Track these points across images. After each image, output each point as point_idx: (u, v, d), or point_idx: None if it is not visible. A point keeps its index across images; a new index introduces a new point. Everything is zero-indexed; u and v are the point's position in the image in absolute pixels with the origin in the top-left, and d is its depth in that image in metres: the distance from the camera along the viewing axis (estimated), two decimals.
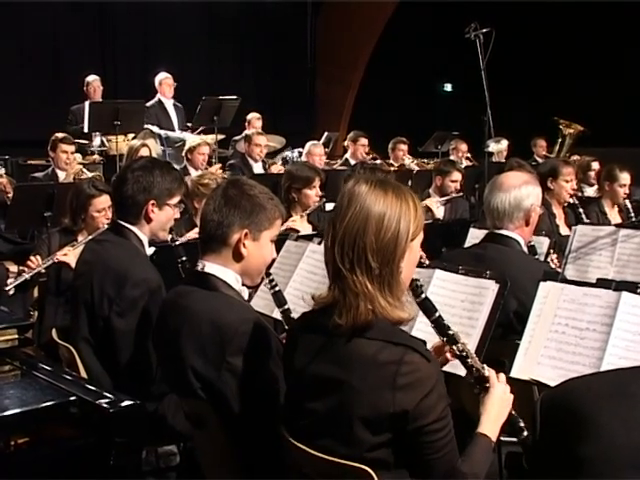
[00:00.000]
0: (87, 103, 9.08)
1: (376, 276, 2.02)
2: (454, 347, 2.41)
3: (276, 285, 3.23)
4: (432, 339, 2.53)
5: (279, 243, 3.79)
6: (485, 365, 2.44)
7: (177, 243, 3.70)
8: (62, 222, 4.86)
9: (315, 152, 8.42)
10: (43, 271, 4.58)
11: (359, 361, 2.02)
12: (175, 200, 3.48)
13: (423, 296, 2.35)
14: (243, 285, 2.76)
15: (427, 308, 2.38)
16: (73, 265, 4.10)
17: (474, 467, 2.16)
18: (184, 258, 3.70)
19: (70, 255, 4.46)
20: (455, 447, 2.08)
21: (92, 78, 9.90)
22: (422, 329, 2.67)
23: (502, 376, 2.42)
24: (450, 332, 2.40)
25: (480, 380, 2.40)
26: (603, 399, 1.46)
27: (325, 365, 2.09)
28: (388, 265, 2.03)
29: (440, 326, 2.40)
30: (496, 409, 2.33)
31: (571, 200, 5.85)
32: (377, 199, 2.04)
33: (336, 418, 2.05)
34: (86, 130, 8.98)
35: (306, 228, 5.12)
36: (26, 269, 4.58)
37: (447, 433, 2.04)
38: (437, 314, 2.38)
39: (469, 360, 2.41)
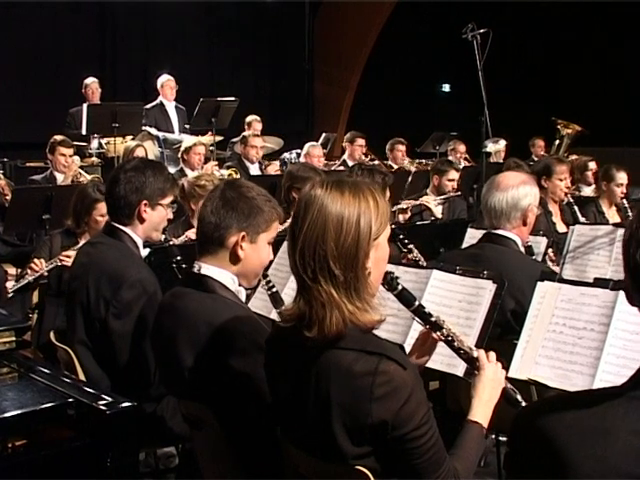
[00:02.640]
0: (85, 105, 9.09)
1: (341, 283, 1.96)
2: (439, 333, 2.41)
3: (273, 286, 3.23)
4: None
5: (278, 244, 3.80)
6: (473, 346, 2.44)
7: (171, 243, 3.69)
8: (64, 224, 4.87)
9: (314, 153, 8.42)
10: (46, 274, 4.59)
11: (335, 373, 1.97)
12: (168, 200, 3.48)
13: (400, 288, 2.32)
14: (240, 286, 2.76)
15: (405, 299, 2.36)
16: None
17: (465, 460, 2.16)
18: (178, 258, 3.70)
19: (73, 257, 4.45)
20: (441, 448, 2.04)
21: (90, 80, 9.91)
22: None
23: (492, 355, 2.41)
24: (432, 319, 2.40)
25: (470, 362, 2.40)
26: (579, 435, 1.41)
27: (302, 378, 2.05)
28: (352, 270, 1.96)
29: (421, 314, 2.40)
30: (487, 391, 2.33)
31: (566, 198, 5.87)
32: (334, 201, 1.97)
33: (319, 430, 2.02)
34: (84, 132, 9.01)
35: None
36: (29, 271, 4.60)
37: (430, 438, 1.99)
38: (416, 303, 2.37)
39: (456, 343, 2.41)
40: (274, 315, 3.39)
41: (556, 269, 4.24)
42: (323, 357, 2.00)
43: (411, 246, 4.12)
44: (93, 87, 9.84)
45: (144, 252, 3.51)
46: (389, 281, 2.28)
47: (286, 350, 2.14)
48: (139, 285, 3.25)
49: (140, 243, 3.46)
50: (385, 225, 2.04)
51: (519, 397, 2.39)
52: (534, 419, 1.50)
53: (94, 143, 9.21)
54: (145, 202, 3.38)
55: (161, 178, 3.44)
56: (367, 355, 1.96)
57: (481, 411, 2.29)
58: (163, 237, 3.65)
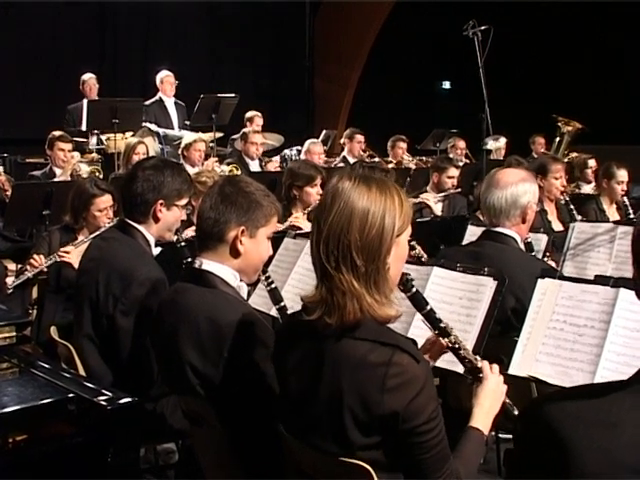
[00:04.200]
0: (85, 101, 9.09)
1: (362, 274, 1.99)
2: (446, 339, 2.41)
3: (272, 282, 3.24)
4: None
5: (278, 241, 3.80)
6: (478, 357, 2.45)
7: (183, 244, 3.69)
8: (63, 220, 4.87)
9: (314, 150, 8.41)
10: (45, 269, 4.58)
11: (348, 362, 2.00)
12: (183, 201, 3.48)
13: (414, 290, 2.33)
14: (241, 281, 2.76)
15: (418, 302, 2.37)
16: (75, 264, 4.12)
17: (466, 463, 2.17)
18: (190, 259, 3.69)
19: (72, 254, 4.46)
20: (446, 446, 2.06)
21: (88, 76, 9.88)
22: (420, 326, 2.67)
23: (495, 367, 2.42)
24: (442, 325, 2.40)
25: (473, 371, 2.40)
26: (584, 428, 1.41)
27: (315, 367, 2.07)
28: (374, 262, 2.00)
29: (431, 319, 2.40)
30: (489, 401, 2.34)
31: (562, 197, 5.87)
32: (361, 195, 2.01)
33: (328, 419, 2.03)
34: (84, 128, 9.02)
35: (307, 226, 5.12)
36: (28, 267, 4.60)
37: (438, 433, 2.02)
38: (428, 307, 2.38)
39: (462, 352, 2.42)
40: (274, 312, 3.39)
41: (555, 267, 4.24)
42: (338, 346, 2.03)
43: (413, 243, 4.12)
44: (91, 83, 9.82)
45: (155, 251, 3.51)
46: (404, 282, 2.29)
47: (300, 341, 2.15)
48: (149, 283, 3.25)
49: (152, 242, 3.46)
50: (407, 224, 2.08)
51: (516, 412, 2.41)
52: (540, 410, 1.51)
53: (93, 140, 9.21)
54: (161, 201, 3.38)
55: (179, 179, 3.44)
56: (381, 346, 1.99)
57: (482, 419, 2.31)
58: (175, 237, 3.65)
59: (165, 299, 2.82)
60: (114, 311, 3.29)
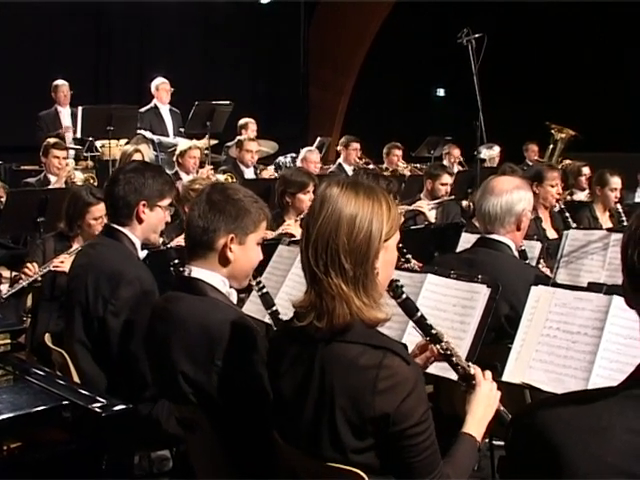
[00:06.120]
0: (80, 108, 9.08)
1: (350, 277, 2.02)
2: (438, 346, 2.42)
3: (264, 287, 3.24)
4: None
5: (271, 248, 3.81)
6: (470, 363, 2.45)
7: (169, 246, 3.70)
8: (57, 227, 4.86)
9: (310, 159, 8.40)
10: (39, 278, 4.58)
11: (339, 365, 2.02)
12: (166, 202, 3.50)
13: (404, 296, 2.35)
14: (231, 288, 2.77)
15: (408, 308, 2.38)
16: None
17: (457, 468, 2.17)
18: (177, 261, 3.70)
19: (66, 262, 4.45)
20: (437, 450, 2.07)
21: (60, 82, 9.82)
22: (414, 333, 2.67)
23: (488, 373, 2.42)
24: (433, 331, 2.41)
25: (466, 378, 2.41)
26: (576, 433, 1.42)
27: (307, 370, 2.08)
28: (362, 266, 2.02)
29: (423, 326, 2.41)
30: (482, 408, 2.34)
31: (558, 205, 5.88)
32: (349, 201, 2.04)
33: (321, 423, 2.05)
34: (79, 135, 9.04)
35: (300, 233, 5.11)
36: (23, 276, 4.59)
37: (428, 436, 2.03)
38: (419, 314, 2.39)
39: (454, 358, 2.42)
40: (267, 319, 3.40)
41: (549, 274, 4.24)
42: (329, 349, 2.05)
43: (409, 256, 4.11)
44: (64, 89, 9.77)
45: (142, 254, 3.52)
46: (394, 289, 2.31)
47: (292, 345, 2.17)
48: (137, 282, 3.27)
49: (138, 244, 3.47)
50: (395, 230, 2.11)
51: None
52: (532, 418, 1.51)
53: (69, 135, 9.26)
54: (144, 202, 3.40)
55: (160, 180, 3.47)
56: (372, 349, 2.01)
57: (475, 426, 2.31)
58: (161, 240, 3.66)
59: (157, 307, 2.82)
60: (104, 313, 3.30)
